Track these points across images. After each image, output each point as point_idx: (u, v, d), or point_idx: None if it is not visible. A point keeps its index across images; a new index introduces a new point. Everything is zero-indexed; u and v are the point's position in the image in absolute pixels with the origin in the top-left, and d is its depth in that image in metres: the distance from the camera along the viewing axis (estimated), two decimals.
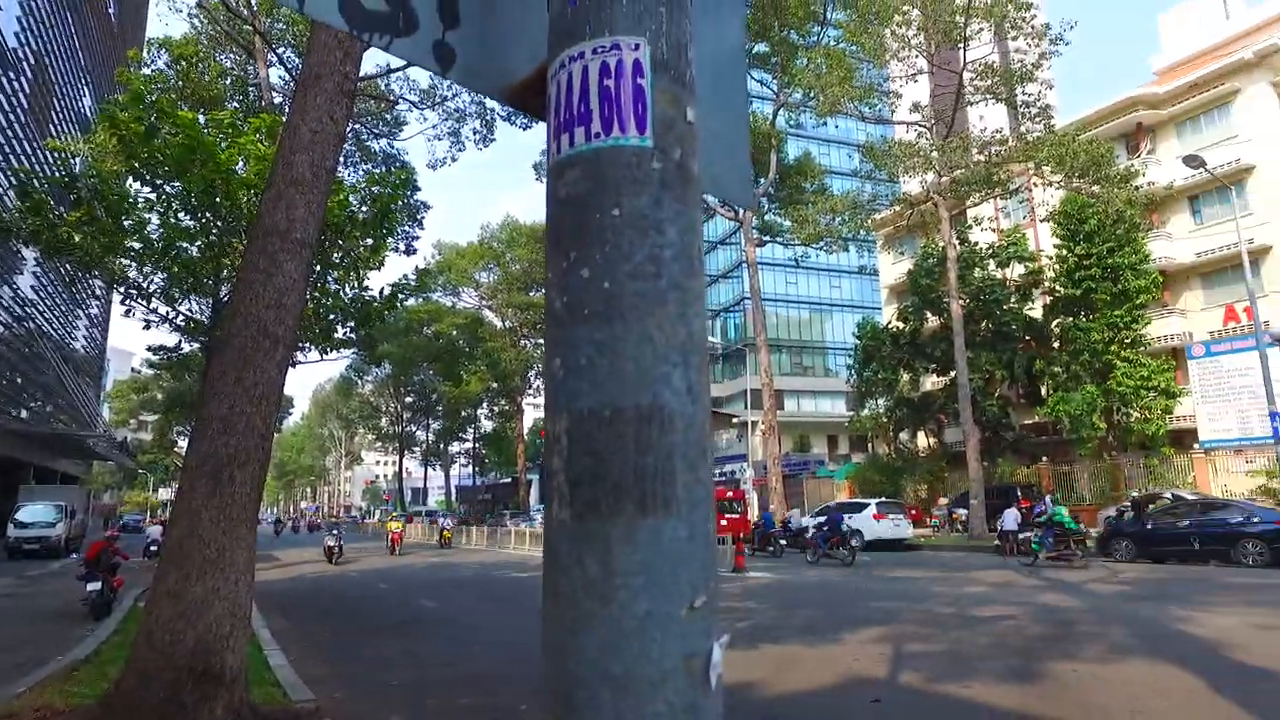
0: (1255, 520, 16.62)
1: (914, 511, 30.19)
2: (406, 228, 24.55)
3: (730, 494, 31.76)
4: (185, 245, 13.74)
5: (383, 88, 26.63)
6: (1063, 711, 6.28)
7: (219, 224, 13.15)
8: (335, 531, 26.13)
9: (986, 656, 8.28)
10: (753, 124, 31.94)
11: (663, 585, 0.86)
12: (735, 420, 48.08)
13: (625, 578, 0.85)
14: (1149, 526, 18.43)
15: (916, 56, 28.23)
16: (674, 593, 0.87)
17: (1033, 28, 26.06)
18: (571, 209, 0.96)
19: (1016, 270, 33.31)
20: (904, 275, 37.21)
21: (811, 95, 29.36)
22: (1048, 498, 25.95)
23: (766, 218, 34.45)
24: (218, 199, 12.04)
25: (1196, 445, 26.92)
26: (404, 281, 15.05)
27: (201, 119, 13.07)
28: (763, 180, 32.43)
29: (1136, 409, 27.68)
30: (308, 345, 15.74)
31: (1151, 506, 19.93)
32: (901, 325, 35.69)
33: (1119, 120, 35.03)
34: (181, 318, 15.90)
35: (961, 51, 26.77)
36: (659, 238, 0.92)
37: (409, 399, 64.23)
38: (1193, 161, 22.54)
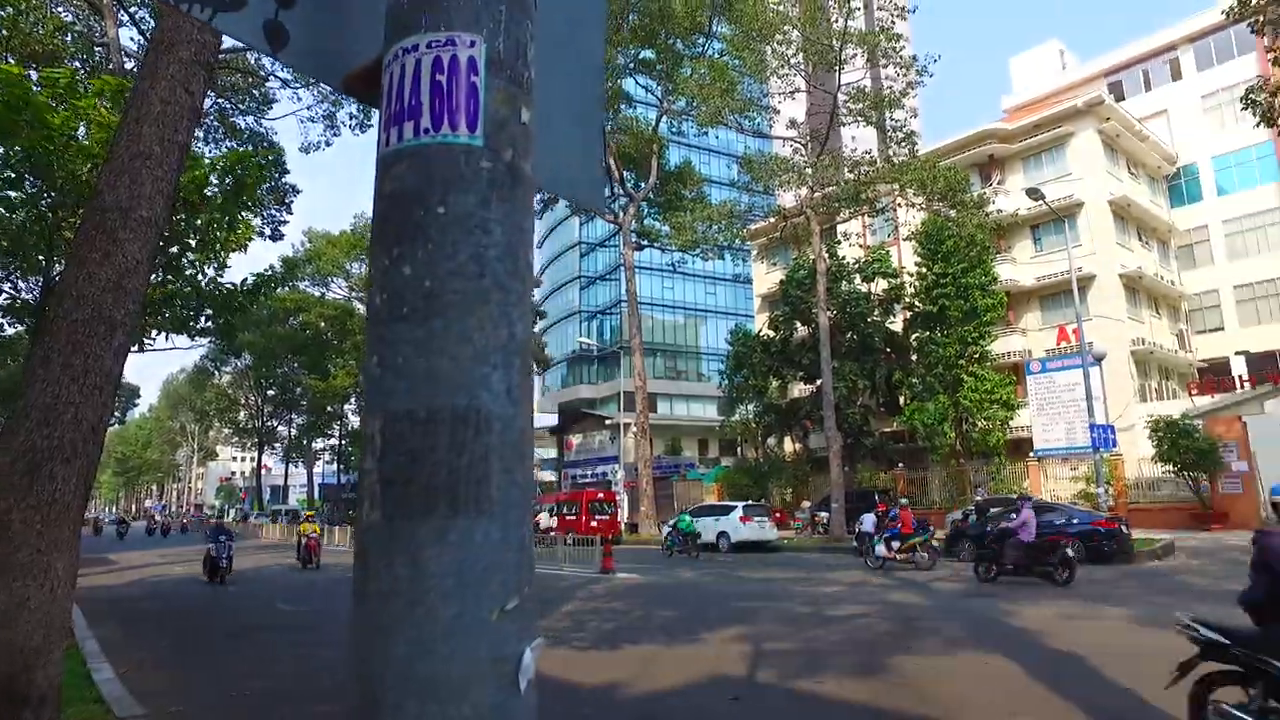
0: (1075, 521, 18.21)
1: (778, 514, 31.27)
2: (274, 211, 23.32)
3: (601, 495, 31.93)
4: (6, 214, 12.44)
5: (251, 62, 25.18)
6: (902, 701, 6.67)
7: (50, 195, 11.98)
8: (222, 539, 19.52)
9: (839, 652, 8.68)
10: (635, 129, 32.53)
11: (474, 587, 0.85)
12: (609, 422, 48.36)
13: (435, 579, 0.84)
14: (988, 529, 19.80)
15: (795, 75, 29.32)
16: (485, 595, 0.86)
17: (901, 58, 27.58)
18: (397, 204, 0.94)
19: (880, 285, 35.16)
20: (776, 285, 38.56)
21: (694, 104, 29.97)
22: (903, 500, 27.58)
23: (646, 222, 34.93)
24: (51, 166, 10.98)
25: (1031, 454, 29.20)
26: (269, 273, 14.22)
27: (33, 75, 11.90)
28: (643, 184, 32.83)
29: (981, 419, 29.72)
30: (156, 332, 14.63)
31: (993, 510, 21.49)
32: (772, 333, 36.92)
33: (974, 151, 37.67)
34: (4, 296, 14.43)
35: (837, 74, 28.01)
36: (484, 237, 0.91)
37: (271, 392, 61.05)
38: (1033, 194, 24.44)
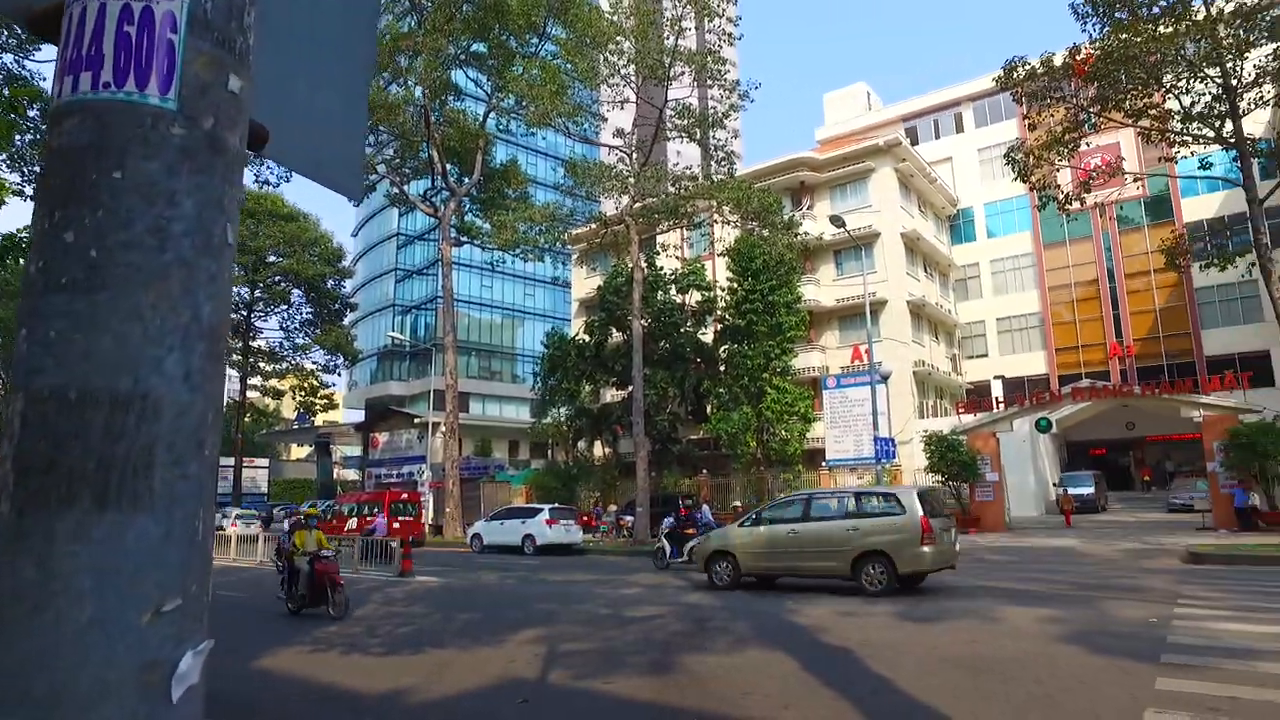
0: None
1: (585, 517, 31.58)
2: (39, 167, 20.57)
3: (405, 496, 30.86)
4: None
5: None
6: (688, 698, 6.92)
7: None
8: None
9: (633, 652, 8.86)
10: (462, 123, 31.76)
11: (119, 588, 0.78)
12: (417, 420, 46.85)
13: (67, 580, 0.75)
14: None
15: (625, 86, 29.82)
16: (134, 596, 0.78)
17: (726, 81, 28.78)
18: (66, 162, 0.84)
19: (694, 297, 36.51)
20: (594, 291, 39.01)
21: (524, 104, 29.71)
22: (705, 507, 28.71)
23: (467, 218, 34.18)
24: None
25: (824, 463, 31.37)
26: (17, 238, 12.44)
27: None
28: (467, 179, 32.12)
29: (781, 430, 31.54)
30: None
31: None
32: (588, 338, 37.28)
33: (788, 176, 40.04)
34: None
35: (665, 89, 28.79)
36: (169, 209, 0.83)
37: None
38: (836, 221, 26.33)
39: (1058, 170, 23.04)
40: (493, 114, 32.15)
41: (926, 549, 12.86)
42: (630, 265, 30.56)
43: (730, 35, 29.20)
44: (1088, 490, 34.22)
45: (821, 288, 39.20)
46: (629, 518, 29.05)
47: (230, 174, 0.91)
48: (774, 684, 7.24)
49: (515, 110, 31.37)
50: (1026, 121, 24.05)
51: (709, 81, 28.73)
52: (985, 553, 20.43)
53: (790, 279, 32.65)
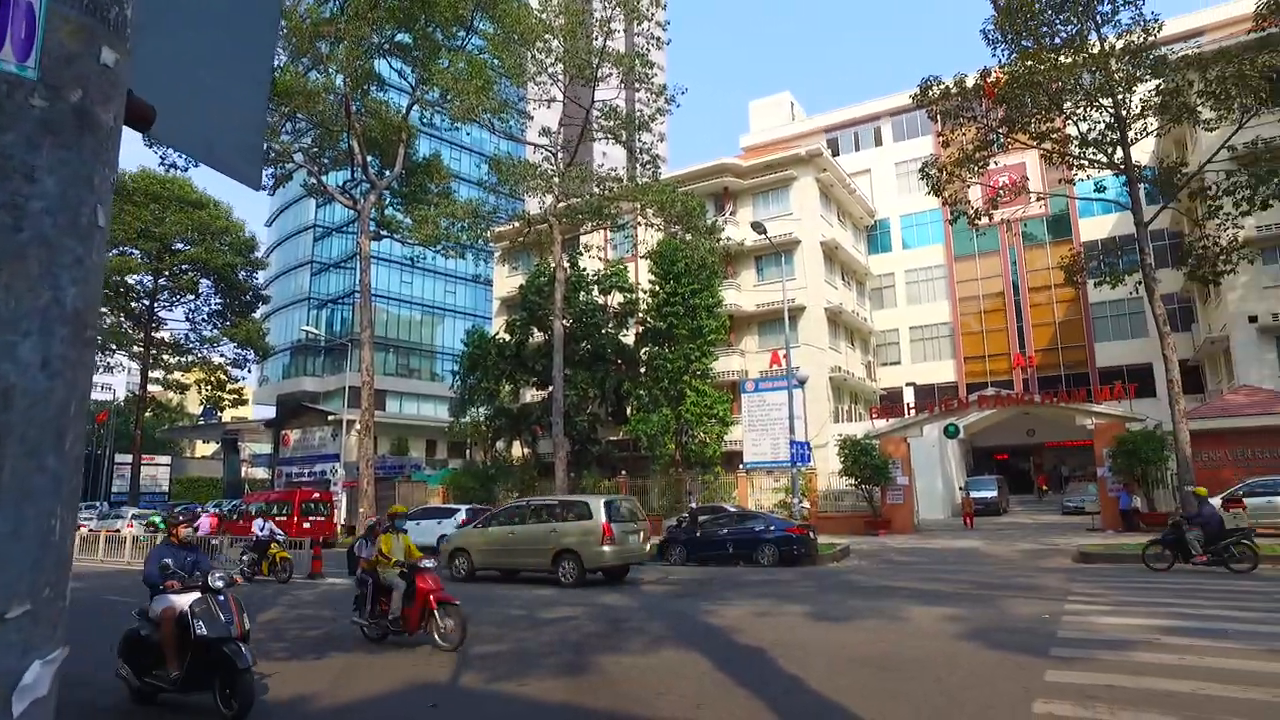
0: (772, 529, 20.15)
1: None
2: None
3: (317, 495, 29.95)
4: None
5: None
6: (600, 699, 6.92)
7: None
8: None
9: (546, 654, 8.81)
10: (384, 115, 30.99)
11: None
12: (331, 418, 45.52)
13: None
14: (698, 534, 21.28)
15: (552, 85, 29.64)
16: None
17: (654, 85, 28.91)
18: None
19: (617, 299, 36.55)
20: (517, 289, 38.67)
21: (449, 97, 29.16)
22: None
23: (387, 212, 33.31)
24: None
25: (741, 466, 31.81)
26: None
27: None
28: (388, 172, 31.38)
29: (700, 432, 31.86)
30: None
31: (703, 517, 23.13)
32: (508, 337, 36.89)
33: (712, 181, 40.53)
34: None
35: (592, 90, 28.75)
36: (26, 185, 0.78)
37: None
38: (758, 228, 26.76)
39: (968, 187, 24.00)
40: (416, 106, 31.39)
41: (607, 548, 15.36)
42: (553, 265, 30.38)
43: (659, 39, 29.35)
44: (990, 494, 35.73)
45: (742, 292, 39.81)
46: None
47: (102, 152, 0.85)
48: (688, 684, 7.30)
49: (440, 104, 30.70)
50: (940, 138, 24.94)
51: (636, 84, 28.80)
52: (894, 554, 21.11)
53: (712, 283, 33.02)
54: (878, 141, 50.20)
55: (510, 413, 37.19)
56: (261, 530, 18.13)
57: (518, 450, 39.10)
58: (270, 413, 59.04)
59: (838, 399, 40.39)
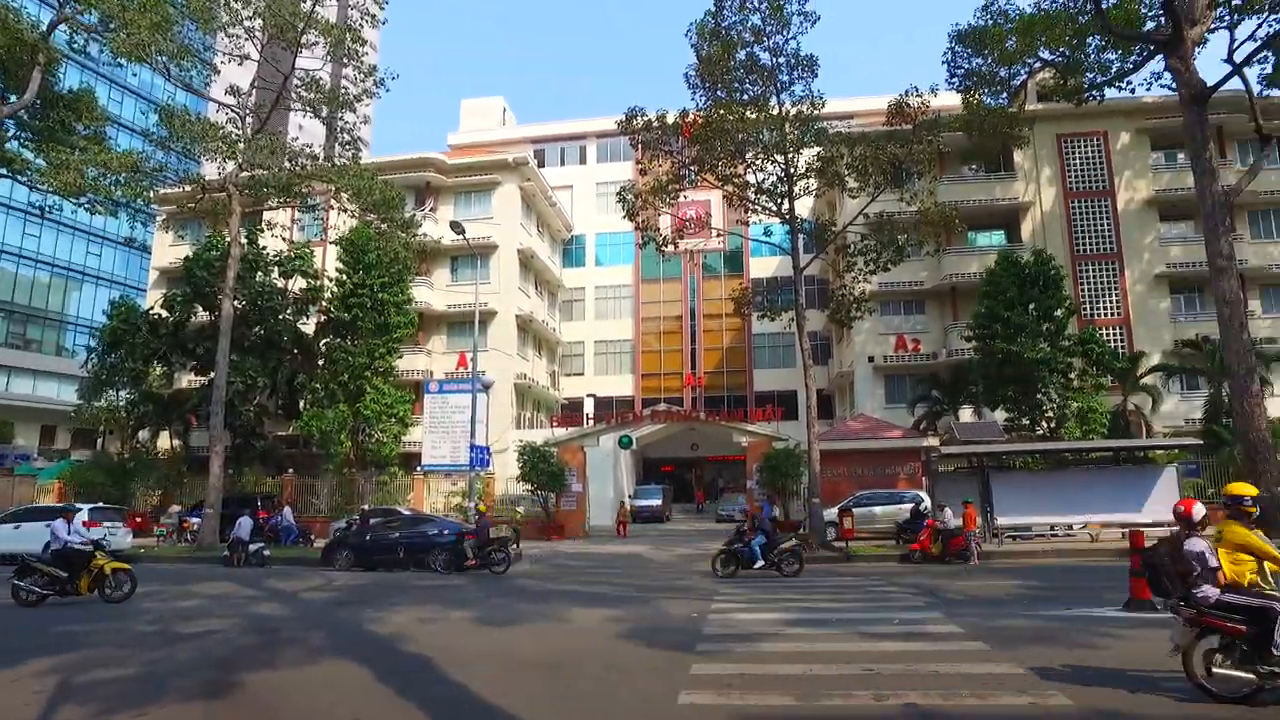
0: (446, 533, 19.93)
1: (138, 519, 27.42)
2: None
3: None
4: None
5: None
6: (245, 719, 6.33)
7: None
8: None
9: (182, 674, 7.86)
10: (15, 26, 25.60)
11: None
12: None
13: None
14: (368, 538, 20.38)
15: (247, 40, 26.75)
16: None
17: (363, 64, 27.34)
18: None
19: (299, 284, 33.83)
20: (181, 261, 34.19)
21: (112, 26, 24.89)
22: (286, 509, 26.63)
23: (10, 146, 27.34)
24: None
25: (419, 468, 31.05)
26: None
27: None
28: (15, 98, 25.97)
29: (378, 431, 30.54)
30: None
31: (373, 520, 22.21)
32: (166, 313, 32.45)
33: (415, 174, 39.36)
34: None
35: (294, 55, 26.44)
36: None
37: None
38: (456, 228, 26.45)
39: (660, 215, 25.87)
40: (65, 26, 26.27)
41: None
42: (228, 239, 27.36)
43: (374, 17, 27.93)
44: (655, 502, 38.58)
45: (435, 291, 39.07)
46: (195, 519, 25.73)
47: None
48: (346, 696, 6.95)
49: (99, 31, 26.00)
50: (640, 166, 26.66)
51: (345, 59, 27.03)
52: (565, 558, 21.92)
53: (404, 278, 31.92)
54: (583, 160, 52.29)
55: (159, 399, 32.67)
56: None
57: (165, 442, 34.48)
58: None
59: (521, 405, 41.14)
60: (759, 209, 25.29)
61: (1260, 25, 25.74)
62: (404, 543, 19.79)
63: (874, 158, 23.29)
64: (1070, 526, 20.57)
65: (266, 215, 31.55)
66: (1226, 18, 25.27)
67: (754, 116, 23.59)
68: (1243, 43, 25.73)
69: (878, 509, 23.90)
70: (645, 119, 23.98)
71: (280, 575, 18.12)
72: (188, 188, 28.56)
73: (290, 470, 31.72)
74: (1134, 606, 10.32)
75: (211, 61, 29.55)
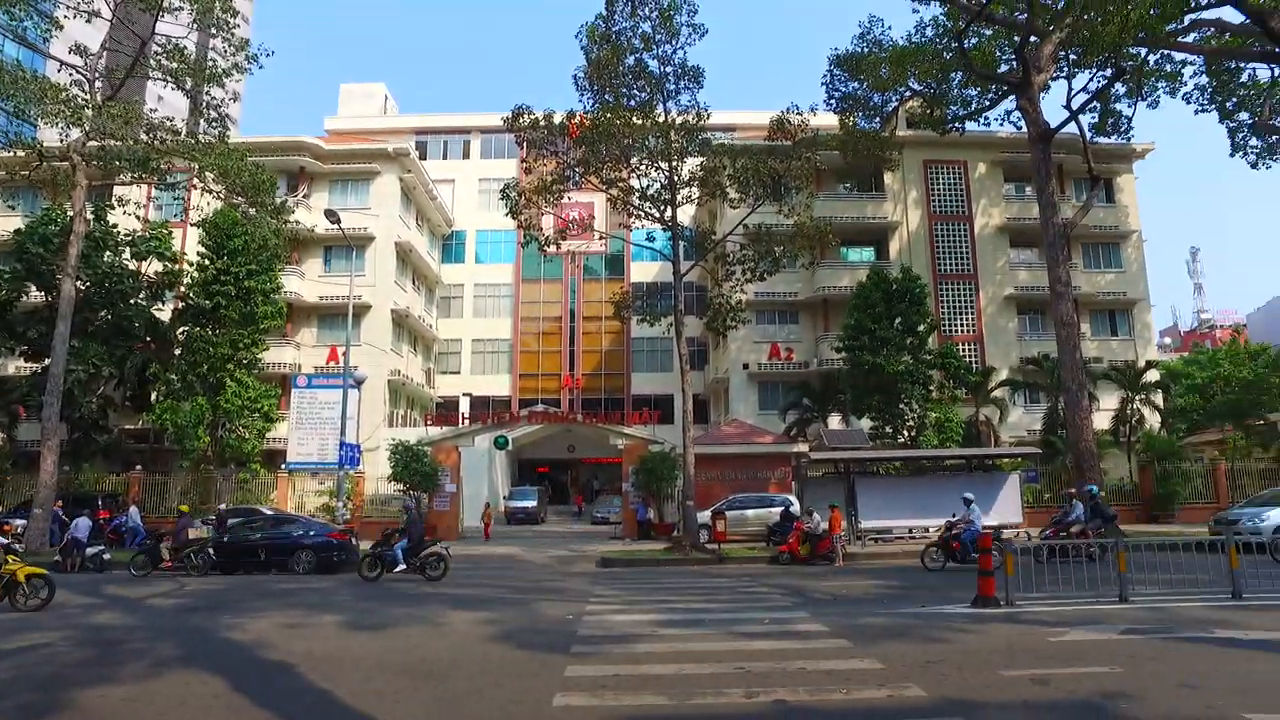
0: (311, 534, 19.06)
1: None
2: None
3: None
4: None
5: None
6: None
7: None
8: None
9: None
10: None
11: None
12: None
13: None
14: (225, 539, 19.20)
15: None
16: None
17: (235, 36, 25.75)
18: None
19: (154, 267, 31.47)
20: (11, 234, 31.10)
21: None
22: (133, 509, 24.65)
23: None
24: None
25: (284, 465, 29.54)
26: None
27: None
28: None
29: (240, 426, 28.84)
30: None
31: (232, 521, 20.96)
32: None
33: (288, 158, 37.49)
34: None
35: (154, 18, 24.58)
36: None
37: None
38: (331, 216, 25.34)
39: (543, 215, 25.69)
40: None
41: None
42: (71, 213, 25.14)
43: None
44: (531, 503, 38.26)
45: (306, 281, 37.34)
46: (20, 521, 23.39)
47: None
48: (195, 710, 6.49)
49: None
50: (524, 165, 26.41)
51: (213, 29, 25.38)
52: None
53: (272, 266, 30.30)
54: (466, 154, 51.29)
55: None
56: None
57: None
58: None
59: (394, 403, 39.91)
60: (642, 214, 25.55)
61: (1091, 79, 28.53)
62: (266, 544, 18.79)
63: (755, 170, 23.99)
64: (927, 529, 21.83)
65: (118, 190, 29.13)
66: (1065, 69, 27.78)
67: (640, 122, 23.84)
68: (1078, 93, 28.43)
69: (749, 512, 24.59)
70: (532, 117, 23.79)
71: (123, 581, 16.78)
72: (22, 153, 25.96)
73: (138, 467, 29.47)
74: (981, 603, 11.04)
75: (50, 15, 26.88)
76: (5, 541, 13.51)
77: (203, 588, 15.58)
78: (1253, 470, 28.31)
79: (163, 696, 6.96)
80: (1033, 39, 24.28)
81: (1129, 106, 30.41)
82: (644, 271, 47.36)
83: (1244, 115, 30.43)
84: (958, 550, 16.59)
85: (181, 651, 8.94)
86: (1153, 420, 32.58)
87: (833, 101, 29.72)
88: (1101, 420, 29.75)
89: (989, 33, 29.08)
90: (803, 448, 28.30)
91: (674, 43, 23.24)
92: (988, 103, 29.98)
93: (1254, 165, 30.91)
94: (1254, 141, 30.73)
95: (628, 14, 23.00)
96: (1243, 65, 29.07)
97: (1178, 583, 12.08)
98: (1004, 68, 28.44)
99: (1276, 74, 28.08)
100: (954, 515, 17.47)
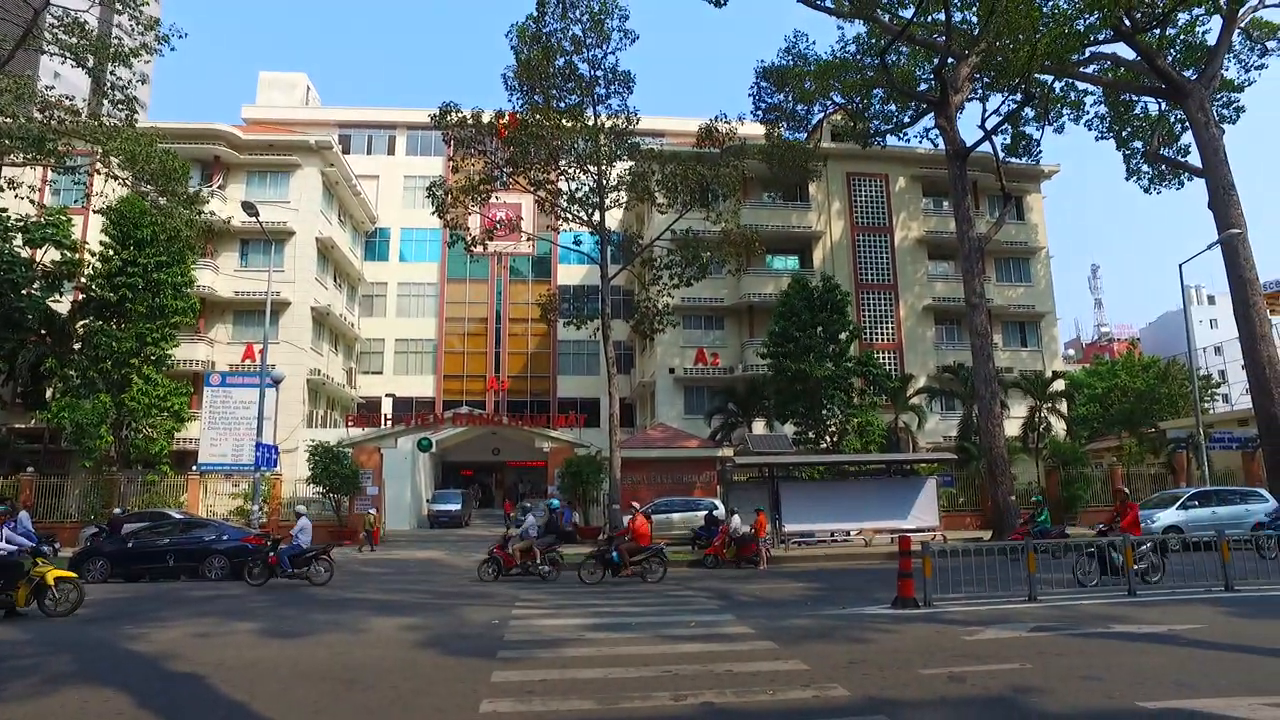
0: (225, 538, 18.31)
1: None
2: None
3: None
4: None
5: None
6: None
7: None
8: None
9: None
10: None
11: None
12: None
13: None
14: (130, 545, 18.26)
15: None
16: None
17: (144, 14, 24.52)
18: None
19: (51, 255, 29.74)
20: None
21: None
22: (23, 514, 23.12)
23: None
24: None
25: (195, 467, 28.28)
26: None
27: None
28: None
29: (146, 426, 27.50)
30: None
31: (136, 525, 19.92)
32: None
33: (203, 145, 35.98)
34: None
35: None
36: None
37: None
38: (249, 209, 24.46)
39: (470, 214, 25.37)
40: None
41: None
42: None
43: None
44: (455, 506, 37.62)
45: (220, 276, 35.89)
46: None
47: None
48: None
49: None
50: (451, 163, 26.03)
51: (119, 5, 24.11)
52: (359, 565, 20.82)
53: (184, 259, 29.01)
54: (391, 150, 50.17)
55: None
56: None
57: None
58: None
59: (314, 403, 38.73)
60: (570, 217, 25.51)
61: (1003, 103, 29.93)
62: (175, 550, 17.95)
63: (683, 176, 24.24)
64: (848, 532, 22.38)
65: (8, 171, 27.35)
66: (980, 91, 29.02)
67: (569, 125, 23.81)
68: (991, 115, 29.77)
69: (675, 516, 24.76)
70: (460, 115, 23.50)
71: None
72: None
73: (30, 469, 27.75)
74: (901, 604, 11.37)
75: None
76: (34, 544, 12.86)
77: (104, 596, 14.76)
78: (1145, 475, 30.09)
79: (55, 716, 6.53)
80: (950, 60, 25.25)
81: (1037, 130, 32.01)
82: (571, 274, 47.21)
83: (1138, 144, 32.37)
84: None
85: (78, 666, 8.43)
86: (1058, 427, 34.19)
87: (760, 112, 30.26)
88: (1012, 427, 31.08)
89: (908, 52, 30.13)
90: (728, 452, 28.66)
91: (605, 47, 23.33)
92: (908, 119, 31.03)
93: (1146, 190, 33.00)
94: (1145, 168, 32.73)
95: (559, 16, 22.96)
96: (1136, 98, 30.93)
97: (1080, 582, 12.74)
98: (923, 87, 29.48)
99: (1164, 108, 29.98)
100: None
